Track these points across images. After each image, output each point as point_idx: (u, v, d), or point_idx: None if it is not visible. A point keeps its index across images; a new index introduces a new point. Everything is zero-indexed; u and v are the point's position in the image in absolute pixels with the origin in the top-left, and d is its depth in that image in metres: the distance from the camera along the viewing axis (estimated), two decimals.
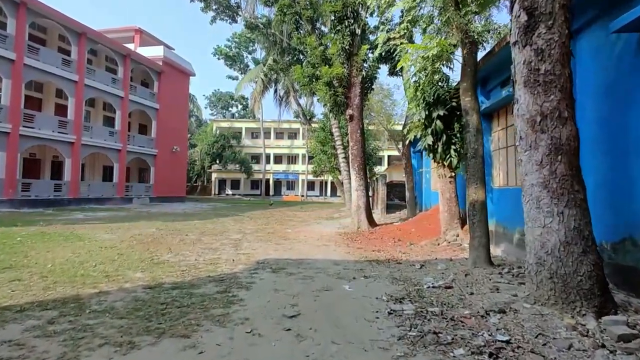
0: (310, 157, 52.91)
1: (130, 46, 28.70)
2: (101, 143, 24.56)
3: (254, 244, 9.60)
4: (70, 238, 9.50)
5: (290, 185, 57.53)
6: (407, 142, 16.34)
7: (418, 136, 9.83)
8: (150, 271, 6.12)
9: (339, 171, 23.99)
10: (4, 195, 18.58)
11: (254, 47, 50.92)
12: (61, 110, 24.03)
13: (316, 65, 13.33)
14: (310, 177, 53.28)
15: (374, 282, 5.62)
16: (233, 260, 7.27)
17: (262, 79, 26.31)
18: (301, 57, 22.78)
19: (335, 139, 17.86)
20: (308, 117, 48.40)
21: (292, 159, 57.14)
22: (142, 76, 31.01)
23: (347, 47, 12.77)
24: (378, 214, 19.62)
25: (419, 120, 9.21)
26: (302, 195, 51.93)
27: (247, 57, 52.09)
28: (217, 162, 49.42)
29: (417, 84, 8.96)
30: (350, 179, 16.28)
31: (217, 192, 56.29)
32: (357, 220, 13.41)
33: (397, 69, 9.80)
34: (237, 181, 57.36)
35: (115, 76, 26.09)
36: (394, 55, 9.90)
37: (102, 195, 24.71)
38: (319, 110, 57.08)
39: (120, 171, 26.12)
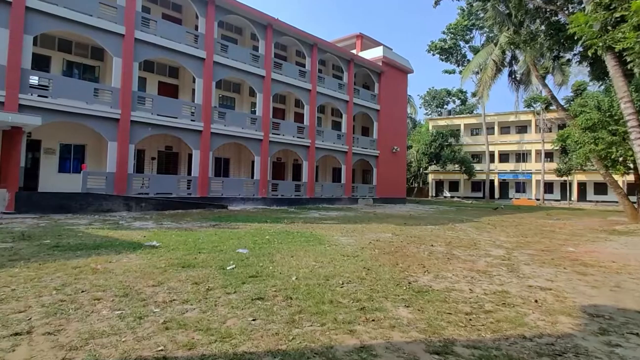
0: (548, 154, 43.51)
1: (353, 52, 29.57)
2: (331, 146, 25.91)
3: (536, 268, 6.54)
4: (311, 240, 8.83)
5: (520, 187, 48.99)
6: None
7: None
8: (418, 307, 4.11)
9: (622, 164, 17.20)
10: (259, 194, 21.45)
11: (471, 35, 46.04)
12: (298, 117, 26.63)
13: (612, 6, 8.94)
14: (550, 177, 43.78)
15: None
16: (535, 301, 4.54)
17: (493, 61, 22.12)
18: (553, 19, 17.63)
19: (628, 117, 12.33)
20: (543, 104, 39.72)
21: (521, 157, 48.56)
22: (363, 79, 31.68)
23: None
24: None
25: None
26: (538, 199, 43.06)
27: (464, 47, 47.57)
28: (435, 162, 46.65)
29: None
30: None
31: (434, 194, 53.60)
32: None
33: None
34: (455, 182, 53.12)
35: (341, 82, 27.20)
36: None
37: (333, 195, 25.99)
38: (561, 93, 46.36)
39: (347, 172, 26.99)
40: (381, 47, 30.64)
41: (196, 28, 20.07)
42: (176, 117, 18.15)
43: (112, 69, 16.43)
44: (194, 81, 20.08)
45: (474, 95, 51.59)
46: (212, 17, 19.44)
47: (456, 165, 47.01)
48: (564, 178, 42.32)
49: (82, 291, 4.28)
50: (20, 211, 12.64)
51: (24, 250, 6.60)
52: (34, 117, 12.44)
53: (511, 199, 45.23)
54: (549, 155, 44.95)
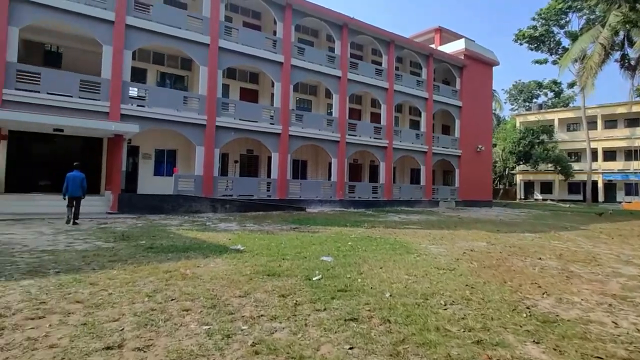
0: None
1: (432, 47, 28.04)
2: (409, 146, 24.77)
3: None
4: (397, 248, 8.19)
5: (632, 189, 42.50)
6: None
7: None
8: (551, 345, 3.30)
9: None
10: (336, 196, 21.20)
11: (567, 19, 41.17)
12: (375, 118, 25.93)
13: None
14: None
15: None
16: None
17: (600, 45, 19.02)
18: None
19: None
20: None
21: (633, 154, 42.09)
22: (443, 75, 29.87)
23: None
24: None
25: None
26: None
27: (558, 33, 42.68)
28: (523, 162, 42.46)
29: None
30: None
31: (522, 196, 48.98)
32: None
33: None
34: (548, 183, 47.96)
35: (419, 78, 25.91)
36: None
37: (411, 197, 24.82)
38: None
39: (427, 173, 25.60)
40: (463, 40, 28.63)
41: (274, 33, 20.49)
42: (256, 121, 18.64)
43: (199, 78, 17.37)
44: (272, 85, 20.52)
45: (571, 85, 46.13)
46: (289, 21, 19.67)
47: (549, 165, 42.36)
48: None
49: (172, 299, 4.20)
50: (122, 211, 13.83)
51: (122, 251, 6.96)
52: (132, 125, 13.54)
53: (620, 202, 39.38)
54: None
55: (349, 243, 8.65)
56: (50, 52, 16.68)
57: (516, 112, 55.28)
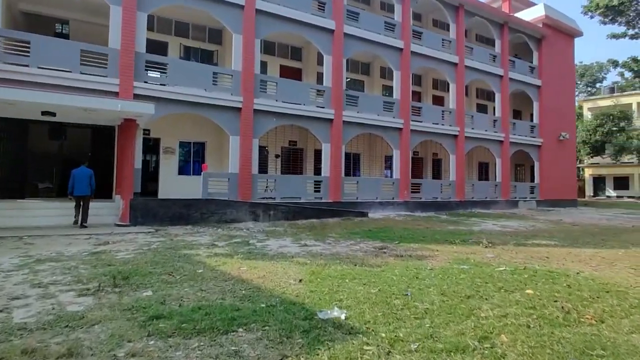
0: None
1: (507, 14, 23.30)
2: (483, 134, 20.24)
3: None
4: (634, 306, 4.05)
5: None
6: None
7: None
8: None
9: None
10: (399, 196, 17.07)
11: None
12: (437, 102, 21.60)
13: None
14: None
15: None
16: None
17: None
18: None
19: None
20: None
21: None
22: (514, 49, 24.99)
23: None
24: None
25: None
26: None
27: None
28: (598, 153, 36.64)
29: None
30: None
31: (591, 194, 42.93)
32: None
33: None
34: (623, 178, 41.72)
35: (492, 52, 21.31)
36: None
37: (486, 197, 20.31)
38: None
39: (504, 168, 20.97)
40: (542, 5, 23.72)
41: None
42: (303, 104, 14.78)
43: (231, 52, 13.67)
44: (318, 63, 16.67)
45: None
46: None
47: (629, 156, 36.35)
48: None
49: None
50: (135, 222, 10.28)
51: (95, 330, 3.18)
52: (146, 105, 9.92)
53: None
54: None
55: (528, 291, 4.60)
56: (51, 24, 13.50)
57: (579, 97, 49.01)
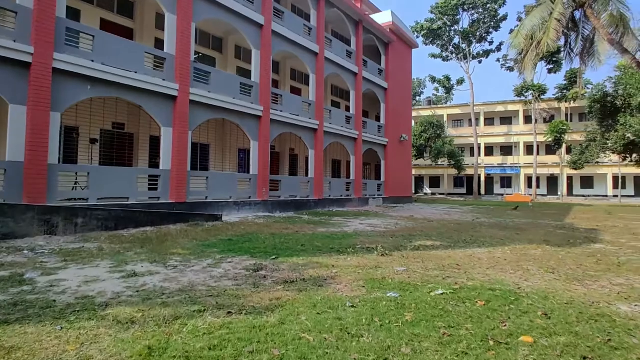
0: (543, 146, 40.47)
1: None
2: (339, 130, 19.70)
3: None
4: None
5: (505, 182, 46.36)
6: None
7: None
8: None
9: None
10: (257, 195, 14.75)
11: (459, 16, 41.13)
12: (295, 93, 20.17)
13: None
14: (542, 171, 41.54)
15: None
16: None
17: (556, 20, 16.87)
18: None
19: None
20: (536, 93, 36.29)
21: (508, 150, 45.88)
22: (366, 51, 25.64)
23: None
24: None
25: None
26: (530, 194, 40.23)
27: (452, 29, 42.75)
28: (422, 156, 42.17)
29: None
30: None
31: (414, 191, 49.43)
32: None
33: None
34: (436, 178, 49.53)
35: (349, 48, 21.09)
36: None
37: (341, 195, 19.86)
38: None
39: (357, 165, 20.97)
40: (389, 12, 25.00)
41: None
42: (134, 72, 10.92)
43: None
44: (157, 27, 13.08)
45: (460, 82, 48.01)
46: None
47: (442, 159, 42.97)
48: (555, 171, 40.18)
49: None
50: None
51: None
52: None
53: (502, 195, 42.08)
54: (542, 148, 43.02)
55: (525, 338, 2.90)
56: None
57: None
